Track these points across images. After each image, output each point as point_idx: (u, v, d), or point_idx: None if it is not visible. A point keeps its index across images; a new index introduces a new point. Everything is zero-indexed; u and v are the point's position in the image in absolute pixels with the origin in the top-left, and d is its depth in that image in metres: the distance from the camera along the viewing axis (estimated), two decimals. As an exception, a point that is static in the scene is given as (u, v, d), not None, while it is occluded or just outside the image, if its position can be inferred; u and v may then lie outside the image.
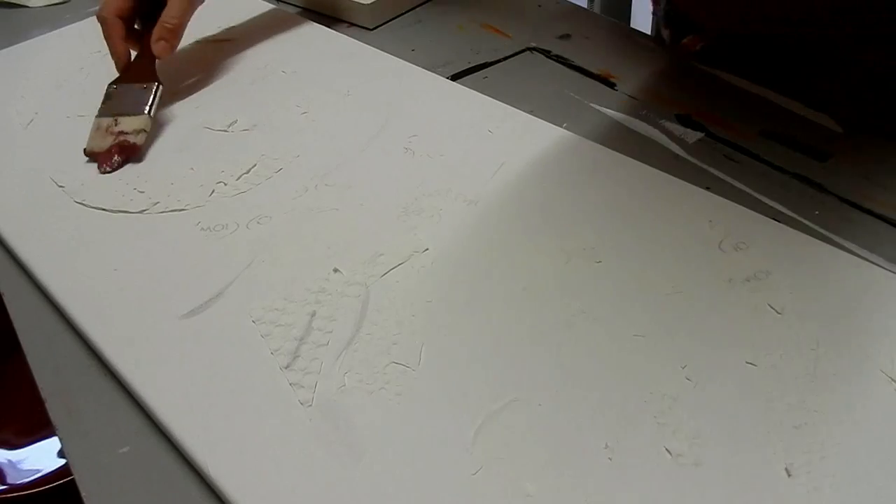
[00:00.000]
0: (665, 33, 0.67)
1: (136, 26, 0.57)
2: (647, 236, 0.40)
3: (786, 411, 0.32)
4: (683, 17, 0.63)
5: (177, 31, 0.55)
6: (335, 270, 0.40)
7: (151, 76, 0.53)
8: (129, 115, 0.51)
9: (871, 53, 0.49)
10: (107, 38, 0.54)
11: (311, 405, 0.33)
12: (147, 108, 0.51)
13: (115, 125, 0.50)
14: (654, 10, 0.68)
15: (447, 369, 0.34)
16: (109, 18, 0.54)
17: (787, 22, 0.51)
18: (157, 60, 0.54)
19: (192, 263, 0.41)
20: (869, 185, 0.44)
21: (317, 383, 0.34)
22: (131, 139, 0.50)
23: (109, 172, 0.48)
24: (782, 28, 0.52)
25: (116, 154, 0.49)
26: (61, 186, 0.47)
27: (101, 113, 0.51)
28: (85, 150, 0.50)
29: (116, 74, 0.59)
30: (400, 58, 0.58)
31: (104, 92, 0.52)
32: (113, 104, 0.52)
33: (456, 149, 0.48)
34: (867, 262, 0.38)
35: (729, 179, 0.45)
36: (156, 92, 0.52)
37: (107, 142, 0.49)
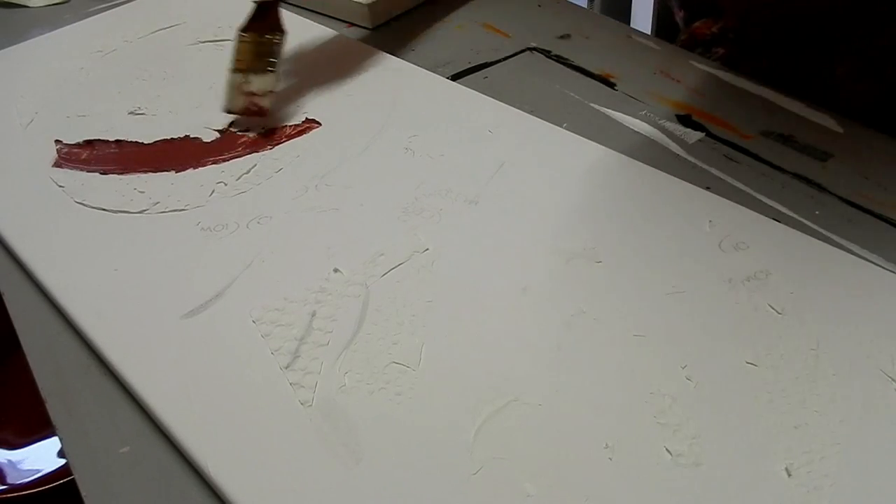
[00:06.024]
0: (679, 16, 0.66)
1: None
2: (647, 236, 0.40)
3: (786, 411, 0.32)
4: None
5: None
6: (335, 270, 0.40)
7: (277, 25, 0.55)
8: (257, 73, 0.52)
9: (890, 31, 0.49)
10: None
11: (311, 405, 0.33)
12: (274, 66, 0.53)
13: (246, 83, 0.51)
14: None
15: (447, 369, 0.34)
16: None
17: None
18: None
19: (192, 263, 0.41)
20: (869, 185, 0.44)
21: (317, 383, 0.34)
22: (259, 101, 0.51)
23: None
24: (802, 6, 0.52)
25: (247, 115, 0.51)
26: (61, 186, 0.47)
27: (233, 68, 0.52)
28: (224, 108, 0.51)
29: (116, 75, 0.59)
30: (400, 58, 0.58)
31: (235, 42, 0.53)
32: (242, 58, 0.53)
33: (456, 149, 0.48)
34: (867, 262, 0.38)
35: (729, 179, 0.45)
36: (281, 45, 0.54)
37: (240, 102, 0.51)
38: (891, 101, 0.51)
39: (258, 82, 0.52)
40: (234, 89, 0.52)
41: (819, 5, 0.52)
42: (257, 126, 0.51)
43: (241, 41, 0.53)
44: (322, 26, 0.63)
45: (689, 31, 0.62)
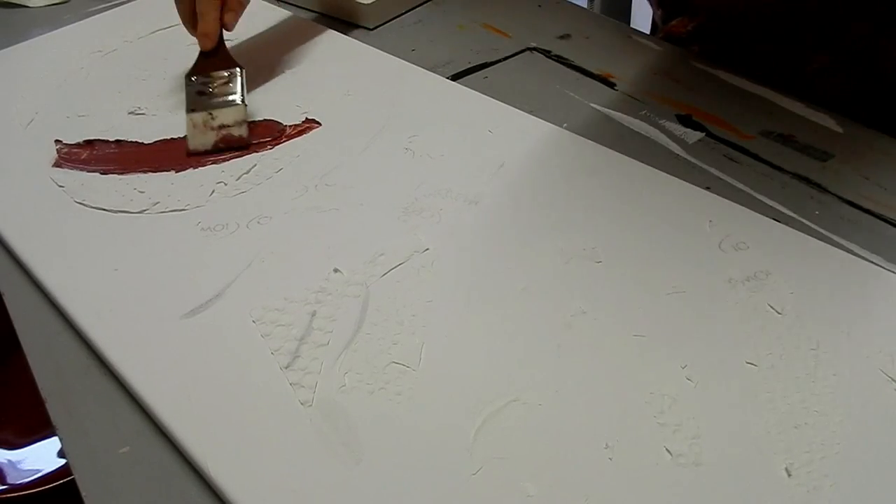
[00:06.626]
0: (657, 14, 0.67)
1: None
2: (647, 236, 0.40)
3: (786, 411, 0.32)
4: None
5: (244, 4, 0.54)
6: (335, 270, 0.40)
7: (230, 62, 0.53)
8: (222, 107, 0.50)
9: (858, 26, 0.49)
10: (203, 14, 0.52)
11: (311, 405, 0.33)
12: (239, 97, 0.51)
13: (212, 119, 0.49)
14: None
15: (447, 369, 0.34)
16: None
17: None
18: (226, 48, 0.54)
19: (192, 263, 0.41)
20: (869, 185, 0.44)
21: (317, 383, 0.34)
22: (235, 132, 0.49)
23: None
24: (773, 4, 0.52)
25: (224, 148, 0.49)
26: (61, 186, 0.47)
27: (192, 108, 0.50)
28: (188, 150, 0.49)
29: (116, 75, 0.59)
30: (400, 58, 0.58)
31: (185, 86, 0.52)
32: (200, 98, 0.51)
33: (456, 149, 0.48)
34: (867, 262, 0.38)
35: (729, 179, 0.45)
36: (241, 77, 0.52)
37: (209, 138, 0.49)
38: (862, 95, 0.51)
39: (225, 115, 0.50)
40: (198, 128, 0.49)
41: (789, 3, 0.52)
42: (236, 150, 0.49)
43: (188, 85, 0.52)
44: (322, 26, 0.63)
45: (666, 29, 0.63)
